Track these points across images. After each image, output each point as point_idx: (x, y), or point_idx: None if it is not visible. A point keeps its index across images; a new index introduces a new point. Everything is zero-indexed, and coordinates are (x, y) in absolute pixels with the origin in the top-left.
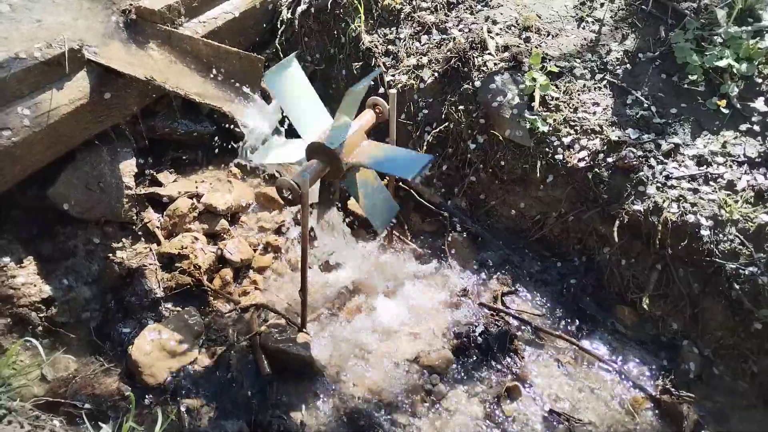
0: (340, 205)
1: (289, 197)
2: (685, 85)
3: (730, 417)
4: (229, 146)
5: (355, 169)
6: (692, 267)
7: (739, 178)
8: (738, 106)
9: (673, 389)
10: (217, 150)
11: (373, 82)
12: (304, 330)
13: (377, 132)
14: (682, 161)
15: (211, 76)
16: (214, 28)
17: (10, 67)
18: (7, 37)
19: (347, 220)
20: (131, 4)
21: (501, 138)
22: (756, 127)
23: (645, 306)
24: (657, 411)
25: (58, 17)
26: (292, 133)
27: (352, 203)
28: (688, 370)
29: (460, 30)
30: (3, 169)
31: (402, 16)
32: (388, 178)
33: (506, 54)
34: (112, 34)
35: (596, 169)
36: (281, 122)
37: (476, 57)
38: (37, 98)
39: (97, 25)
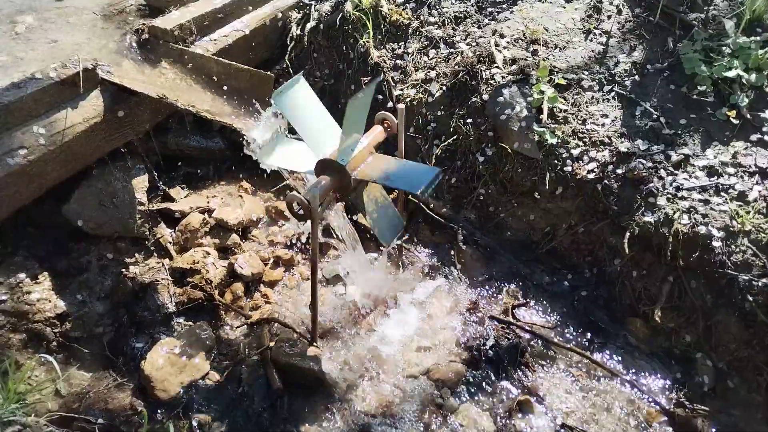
0: (350, 219)
1: (300, 212)
2: (694, 96)
3: (745, 431)
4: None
5: (364, 183)
6: (704, 279)
7: (751, 189)
8: (748, 116)
9: (687, 402)
10: (227, 165)
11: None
12: (314, 344)
13: (386, 146)
14: (693, 172)
15: (222, 93)
16: (225, 46)
17: (26, 87)
18: (24, 57)
19: (357, 234)
20: (144, 24)
21: (510, 150)
22: (767, 138)
23: (657, 318)
24: (671, 425)
25: (73, 37)
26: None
27: (362, 218)
28: (702, 383)
29: (467, 44)
30: (19, 186)
31: (410, 31)
32: (397, 191)
33: (514, 67)
34: (126, 53)
35: (606, 181)
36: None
37: (484, 70)
38: (52, 117)
39: (111, 44)
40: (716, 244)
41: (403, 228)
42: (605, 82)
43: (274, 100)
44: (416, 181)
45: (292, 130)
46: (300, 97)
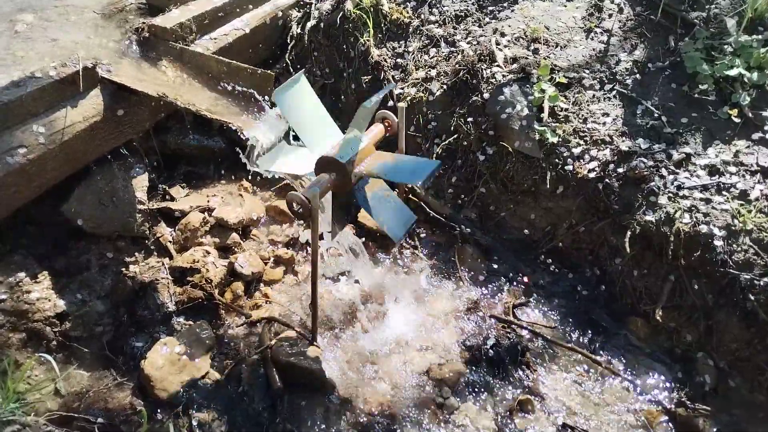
0: (351, 217)
1: (300, 211)
2: (696, 95)
3: (747, 430)
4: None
5: (365, 181)
6: (706, 278)
7: (752, 188)
8: (750, 115)
9: (688, 402)
10: (228, 164)
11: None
12: (314, 343)
13: (386, 145)
14: (694, 171)
15: (222, 91)
16: (225, 45)
17: (26, 85)
18: (24, 56)
19: (358, 232)
20: (144, 23)
21: (510, 149)
22: None
23: (658, 318)
24: (672, 424)
25: (73, 36)
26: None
27: (362, 216)
28: (703, 383)
29: (468, 42)
30: (18, 185)
31: (410, 29)
32: (398, 189)
33: (515, 66)
34: (126, 51)
35: (607, 180)
36: (288, 133)
37: (485, 69)
38: (51, 116)
39: (111, 43)
40: (718, 243)
41: (415, 221)
42: (606, 81)
43: (275, 98)
44: (416, 174)
45: (294, 137)
46: (300, 95)
